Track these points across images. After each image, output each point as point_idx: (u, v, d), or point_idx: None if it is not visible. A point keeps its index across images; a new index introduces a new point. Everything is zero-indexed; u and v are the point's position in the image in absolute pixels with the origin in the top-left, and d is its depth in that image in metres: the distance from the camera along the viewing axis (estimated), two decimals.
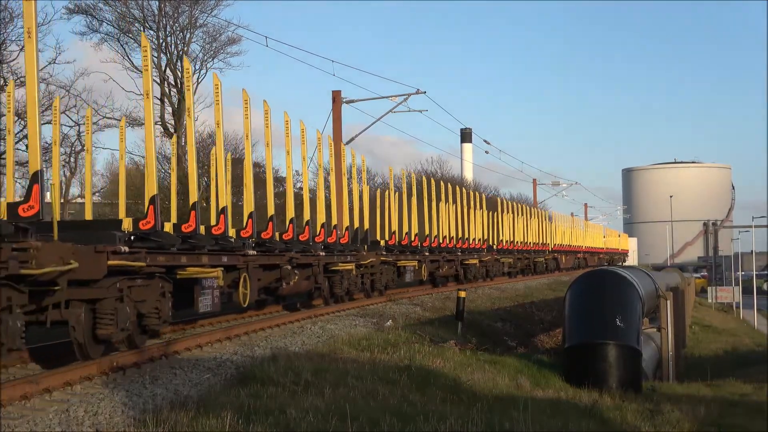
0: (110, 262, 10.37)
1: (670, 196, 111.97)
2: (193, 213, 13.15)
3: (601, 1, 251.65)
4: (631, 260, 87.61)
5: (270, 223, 16.70)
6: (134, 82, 37.05)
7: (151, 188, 12.15)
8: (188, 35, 38.21)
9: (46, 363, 11.14)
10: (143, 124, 34.98)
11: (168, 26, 37.75)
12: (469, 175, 78.26)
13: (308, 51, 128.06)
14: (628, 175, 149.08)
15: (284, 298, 19.34)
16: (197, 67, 38.37)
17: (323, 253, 19.05)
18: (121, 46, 37.19)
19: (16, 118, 30.05)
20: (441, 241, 29.61)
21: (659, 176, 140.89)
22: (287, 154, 18.31)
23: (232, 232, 14.92)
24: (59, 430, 7.87)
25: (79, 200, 37.59)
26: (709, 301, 58.34)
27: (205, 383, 10.33)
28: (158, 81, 37.42)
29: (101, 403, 8.90)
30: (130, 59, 37.10)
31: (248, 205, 15.90)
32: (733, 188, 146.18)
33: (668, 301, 18.56)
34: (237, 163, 22.14)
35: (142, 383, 10.07)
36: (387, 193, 26.12)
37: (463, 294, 19.22)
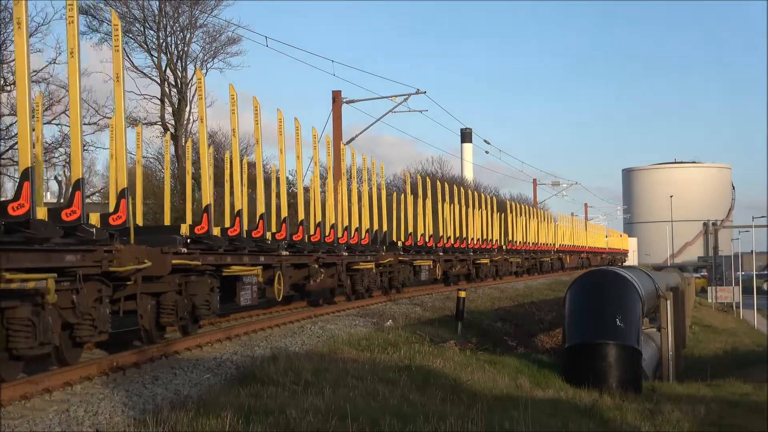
0: (173, 262, 12.29)
1: (670, 196, 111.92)
2: (237, 219, 15.36)
3: (601, 1, 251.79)
4: (631, 260, 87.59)
5: (300, 227, 18.69)
6: (134, 82, 37.07)
7: (205, 198, 14.71)
8: (188, 35, 38.21)
9: (106, 348, 12.41)
10: (144, 124, 34.91)
11: (168, 26, 37.74)
12: (469, 175, 78.23)
13: (308, 51, 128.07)
14: (628, 175, 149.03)
15: (309, 294, 20.75)
16: (197, 66, 38.39)
17: (346, 254, 20.72)
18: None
19: (17, 118, 30.06)
20: (454, 241, 31.14)
21: (659, 176, 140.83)
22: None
23: (267, 235, 16.67)
24: (59, 430, 7.87)
25: None
26: (709, 301, 58.35)
27: (205, 383, 10.33)
28: (158, 81, 37.41)
29: (101, 403, 8.90)
30: (130, 59, 37.08)
31: (283, 210, 18.38)
32: (733, 188, 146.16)
33: (668, 301, 18.56)
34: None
35: (142, 383, 10.07)
36: (403, 196, 27.76)
37: (463, 294, 19.23)
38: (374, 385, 10.18)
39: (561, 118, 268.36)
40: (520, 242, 42.50)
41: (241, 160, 17.38)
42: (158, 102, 37.60)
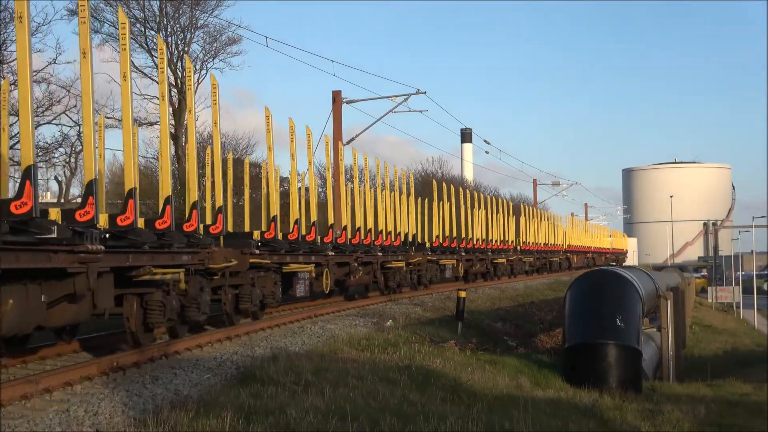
0: (250, 260, 15.26)
1: (670, 196, 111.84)
2: (296, 226, 18.28)
3: (601, 1, 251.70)
4: (631, 260, 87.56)
5: (344, 232, 21.81)
6: (135, 82, 37.08)
7: (274, 208, 17.57)
8: (189, 36, 38.20)
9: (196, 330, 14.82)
10: (146, 124, 34.88)
11: (169, 27, 37.74)
12: (469, 175, 78.23)
13: (308, 51, 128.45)
14: (628, 175, 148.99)
15: (347, 289, 23.22)
16: (197, 67, 38.35)
17: (381, 254, 23.62)
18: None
19: (17, 119, 30.08)
20: (474, 242, 34.53)
21: (659, 176, 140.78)
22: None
23: (317, 239, 19.62)
24: (59, 430, 7.87)
25: (78, 200, 37.57)
26: (709, 301, 58.32)
27: (205, 383, 10.33)
28: (158, 81, 37.36)
29: (101, 403, 8.90)
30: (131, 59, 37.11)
31: (330, 218, 21.04)
32: (733, 188, 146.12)
33: (668, 301, 18.56)
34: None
35: (142, 383, 10.07)
36: (428, 201, 30.76)
37: (463, 294, 19.25)
38: (374, 385, 10.18)
39: (561, 118, 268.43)
40: (532, 243, 45.48)
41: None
42: (158, 102, 37.58)
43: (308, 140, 20.15)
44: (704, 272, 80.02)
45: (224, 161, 17.91)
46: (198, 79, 38.54)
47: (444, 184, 33.73)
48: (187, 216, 13.40)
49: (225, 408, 8.14)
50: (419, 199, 30.10)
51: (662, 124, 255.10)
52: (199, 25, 38.38)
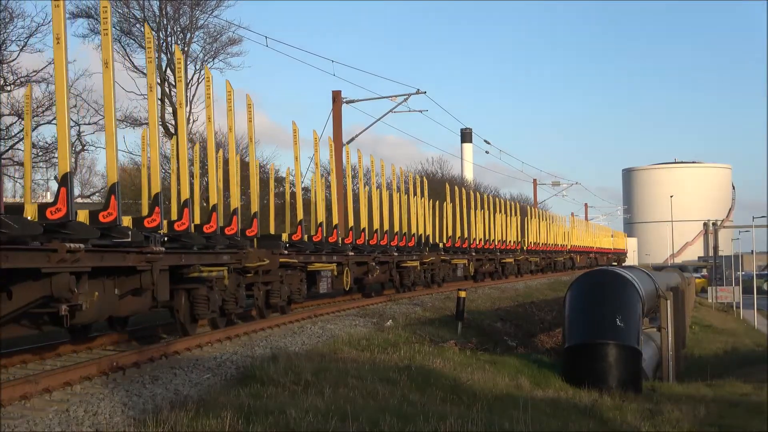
0: (280, 260, 16.63)
1: (671, 196, 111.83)
2: (319, 229, 19.91)
3: (601, 1, 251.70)
4: (631, 260, 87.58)
5: (363, 233, 23.41)
6: (135, 82, 37.10)
7: (299, 214, 19.12)
8: (189, 36, 38.21)
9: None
10: (144, 124, 34.86)
11: (169, 27, 37.75)
12: (469, 175, 78.22)
13: (308, 51, 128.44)
14: (628, 175, 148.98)
15: (365, 287, 24.57)
16: (198, 67, 38.37)
17: (396, 254, 25.26)
18: (122, 47, 37.15)
19: (17, 119, 30.09)
20: (483, 243, 36.11)
21: (659, 176, 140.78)
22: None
23: (339, 240, 21.45)
24: (59, 430, 7.86)
25: (78, 200, 37.57)
26: (709, 301, 58.28)
27: (205, 383, 10.33)
28: (158, 81, 37.37)
29: (101, 403, 8.90)
30: (131, 60, 37.06)
31: (350, 221, 22.88)
32: (733, 188, 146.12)
33: (668, 301, 18.56)
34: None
35: (142, 383, 10.07)
36: (443, 203, 32.41)
37: (463, 294, 19.24)
38: (374, 385, 10.17)
39: (561, 118, 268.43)
40: (537, 243, 46.97)
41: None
42: (158, 102, 37.57)
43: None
44: (704, 272, 79.96)
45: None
46: (198, 79, 38.57)
47: (456, 188, 35.16)
48: (228, 221, 15.39)
49: (225, 408, 8.14)
50: (431, 201, 31.19)
51: (662, 124, 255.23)
52: (199, 25, 38.41)
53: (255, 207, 16.96)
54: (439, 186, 41.08)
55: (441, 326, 18.78)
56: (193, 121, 38.36)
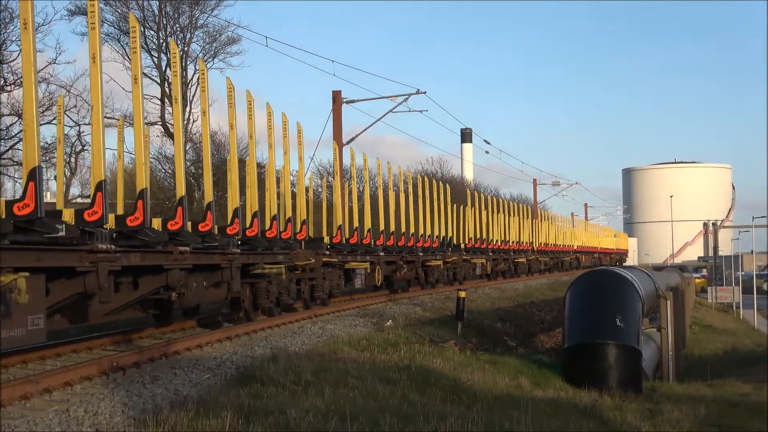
0: (323, 259, 19.34)
1: (670, 196, 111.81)
2: (356, 232, 22.80)
3: (601, 1, 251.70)
4: (631, 260, 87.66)
5: (392, 235, 25.85)
6: None
7: (338, 218, 21.91)
8: (188, 35, 38.19)
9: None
10: (144, 124, 34.90)
11: (168, 26, 37.73)
12: (469, 175, 78.21)
13: (308, 51, 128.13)
14: (628, 175, 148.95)
15: (393, 284, 27.25)
16: (197, 66, 38.33)
17: (421, 254, 27.86)
18: (122, 46, 37.13)
19: (17, 118, 30.09)
20: (499, 243, 39.25)
21: (659, 176, 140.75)
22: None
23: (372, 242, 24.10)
24: (59, 430, 7.86)
25: (78, 200, 37.53)
26: (709, 301, 58.26)
27: (205, 383, 10.33)
28: (158, 81, 37.36)
29: (101, 403, 8.90)
30: (130, 59, 37.05)
31: (382, 224, 25.44)
32: (733, 188, 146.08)
33: (668, 301, 18.54)
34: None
35: (142, 383, 10.07)
36: (463, 207, 35.34)
37: (463, 294, 19.25)
38: (374, 385, 10.17)
39: (561, 118, 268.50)
40: (547, 244, 50.08)
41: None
42: (158, 102, 37.56)
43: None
44: (704, 272, 79.94)
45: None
46: (198, 79, 38.52)
47: (476, 194, 38.44)
48: (284, 227, 18.02)
49: (225, 408, 8.14)
50: (454, 206, 33.90)
51: (662, 124, 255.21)
52: (198, 24, 38.39)
53: (304, 215, 19.73)
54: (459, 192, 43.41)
55: (441, 326, 18.78)
56: (193, 121, 38.35)
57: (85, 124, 32.60)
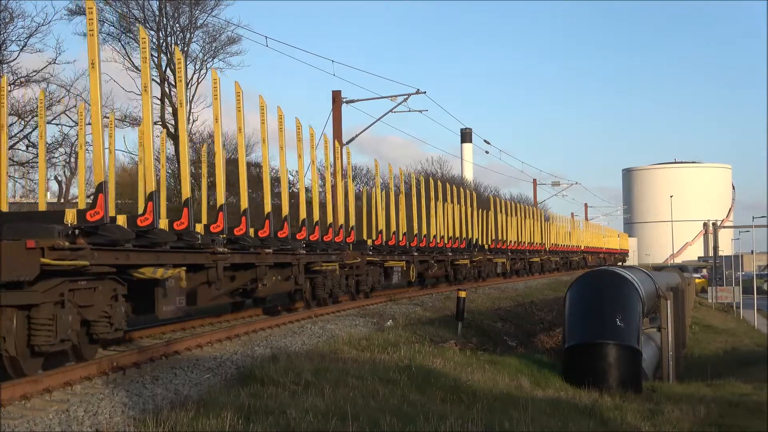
0: (367, 259, 22.69)
1: (670, 196, 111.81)
2: (394, 235, 25.77)
3: (601, 1, 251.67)
4: (631, 260, 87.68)
5: (424, 238, 28.67)
6: (134, 82, 37.02)
7: (381, 222, 25.12)
8: (188, 35, 38.17)
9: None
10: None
11: (168, 26, 37.71)
12: (469, 175, 78.20)
13: (308, 51, 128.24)
14: (628, 175, 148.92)
15: (424, 280, 30.28)
16: (197, 66, 38.36)
17: (450, 254, 31.35)
18: (122, 46, 37.15)
19: (17, 118, 30.08)
20: (516, 244, 42.53)
21: (659, 176, 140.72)
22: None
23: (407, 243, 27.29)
24: (59, 430, 7.86)
25: (76, 200, 37.49)
26: (709, 301, 58.24)
27: (205, 383, 10.33)
28: (158, 81, 37.33)
29: (101, 403, 8.90)
30: (130, 59, 36.99)
31: (416, 226, 28.20)
32: (733, 188, 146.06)
33: (668, 301, 18.54)
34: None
35: (142, 383, 10.07)
36: (489, 212, 39.09)
37: (463, 294, 19.23)
38: (374, 385, 10.16)
39: (561, 118, 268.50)
40: (558, 244, 53.64)
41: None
42: (158, 102, 37.52)
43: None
44: (704, 272, 79.93)
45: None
46: (198, 79, 38.55)
47: (498, 199, 42.69)
48: (335, 231, 20.91)
49: (225, 408, 8.14)
50: (480, 211, 37.37)
51: (662, 124, 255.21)
52: (198, 24, 38.38)
53: (352, 221, 22.99)
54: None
55: (441, 326, 18.77)
56: (193, 121, 38.35)
57: (87, 124, 32.57)
